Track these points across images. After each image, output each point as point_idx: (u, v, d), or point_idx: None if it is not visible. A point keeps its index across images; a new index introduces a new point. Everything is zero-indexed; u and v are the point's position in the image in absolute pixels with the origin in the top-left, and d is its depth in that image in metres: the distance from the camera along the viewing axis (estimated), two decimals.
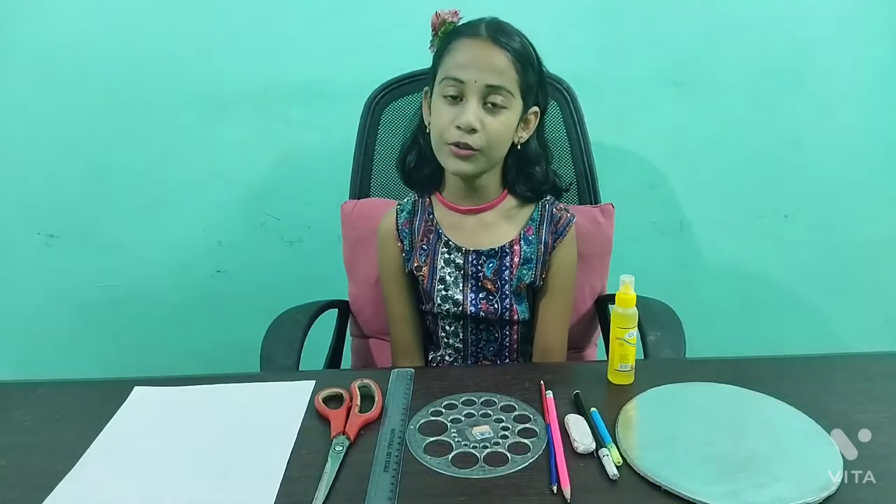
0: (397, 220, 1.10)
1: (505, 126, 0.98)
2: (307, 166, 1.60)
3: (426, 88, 1.04)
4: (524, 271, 1.06)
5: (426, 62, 1.05)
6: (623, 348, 0.89)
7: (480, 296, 1.06)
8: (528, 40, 1.00)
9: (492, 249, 1.05)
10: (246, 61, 1.52)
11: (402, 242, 1.09)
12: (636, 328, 0.89)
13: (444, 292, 1.06)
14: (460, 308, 1.06)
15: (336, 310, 1.32)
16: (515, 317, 1.07)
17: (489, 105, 0.96)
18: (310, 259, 1.67)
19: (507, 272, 1.05)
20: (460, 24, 1.00)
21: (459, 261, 1.06)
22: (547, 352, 1.08)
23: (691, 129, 1.59)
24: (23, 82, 1.53)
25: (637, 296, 0.89)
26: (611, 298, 1.27)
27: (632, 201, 1.47)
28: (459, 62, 0.96)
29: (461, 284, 1.06)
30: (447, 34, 1.00)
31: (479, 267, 1.05)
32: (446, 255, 1.06)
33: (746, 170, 1.63)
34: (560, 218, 1.07)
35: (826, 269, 1.71)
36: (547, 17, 1.48)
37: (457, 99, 0.96)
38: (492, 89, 0.95)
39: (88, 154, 1.59)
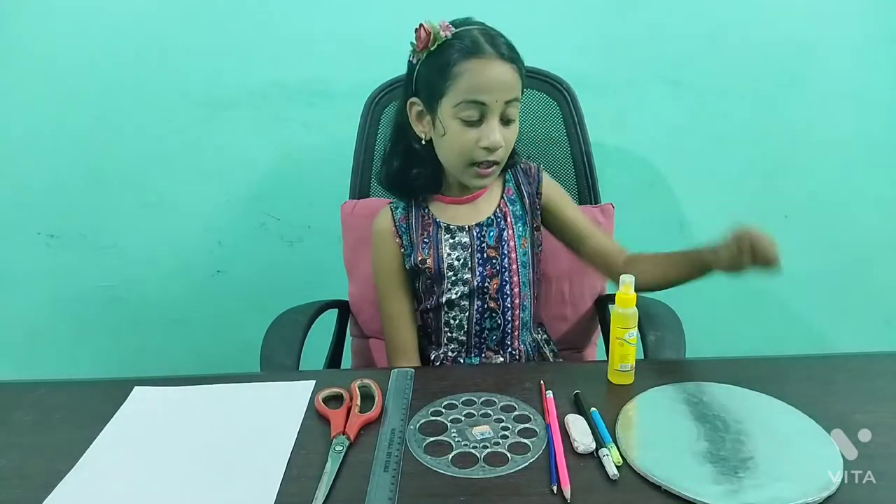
0: (394, 217, 1.11)
1: (516, 132, 1.03)
2: (307, 166, 1.60)
3: (413, 100, 1.03)
4: (520, 228, 1.09)
5: None
6: (623, 348, 0.89)
7: (486, 266, 1.08)
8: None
9: (489, 218, 1.09)
10: (246, 61, 1.52)
11: (400, 239, 1.10)
12: (636, 328, 0.89)
13: (453, 277, 1.08)
14: (468, 286, 1.08)
15: (336, 310, 1.32)
16: (516, 279, 1.08)
17: (504, 118, 0.99)
18: (310, 259, 1.67)
19: (505, 233, 1.08)
20: (451, 37, 0.98)
21: (465, 239, 1.08)
22: (603, 254, 1.11)
23: (691, 129, 1.59)
24: (23, 82, 1.53)
25: (637, 296, 0.89)
26: (611, 298, 1.27)
27: (632, 201, 1.47)
28: (478, 86, 0.96)
29: (470, 262, 1.08)
30: (440, 48, 0.97)
31: (483, 238, 1.08)
32: (451, 240, 1.08)
33: (746, 170, 1.63)
34: (529, 168, 1.13)
35: (826, 269, 1.71)
36: (547, 17, 1.48)
37: (477, 120, 0.98)
38: (508, 104, 0.98)
39: (88, 154, 1.59)
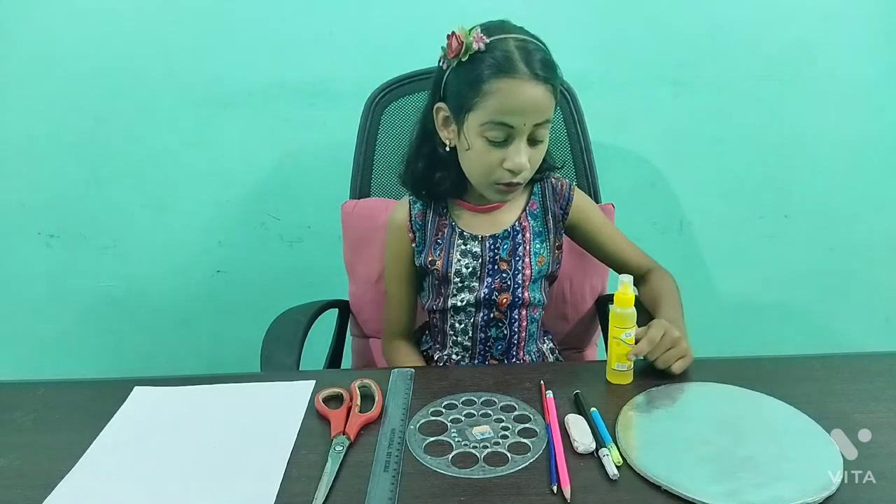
0: (411, 212, 1.10)
1: (544, 152, 1.00)
2: (307, 166, 1.60)
3: (440, 105, 0.99)
4: (537, 245, 1.08)
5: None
6: (620, 348, 0.89)
7: (495, 278, 1.07)
8: (545, 47, 0.97)
9: (505, 231, 1.07)
10: (246, 61, 1.52)
11: (413, 234, 1.10)
12: (634, 328, 0.89)
13: (459, 284, 1.07)
14: (474, 295, 1.07)
15: (336, 310, 1.32)
16: (526, 294, 1.07)
17: (532, 139, 0.96)
18: (310, 259, 1.67)
19: (520, 248, 1.07)
20: (484, 48, 0.92)
21: (477, 249, 1.07)
22: (627, 267, 1.12)
23: (691, 129, 1.59)
24: (23, 82, 1.53)
25: (636, 296, 0.89)
26: (611, 298, 1.26)
27: (632, 201, 1.47)
28: (507, 108, 0.92)
29: (478, 272, 1.07)
30: (472, 59, 0.93)
31: (496, 251, 1.07)
32: (463, 247, 1.07)
33: (746, 170, 1.63)
34: (560, 186, 1.11)
35: (826, 269, 1.71)
36: (547, 17, 1.48)
37: (503, 141, 0.95)
38: (537, 126, 0.95)
39: (89, 154, 1.59)
